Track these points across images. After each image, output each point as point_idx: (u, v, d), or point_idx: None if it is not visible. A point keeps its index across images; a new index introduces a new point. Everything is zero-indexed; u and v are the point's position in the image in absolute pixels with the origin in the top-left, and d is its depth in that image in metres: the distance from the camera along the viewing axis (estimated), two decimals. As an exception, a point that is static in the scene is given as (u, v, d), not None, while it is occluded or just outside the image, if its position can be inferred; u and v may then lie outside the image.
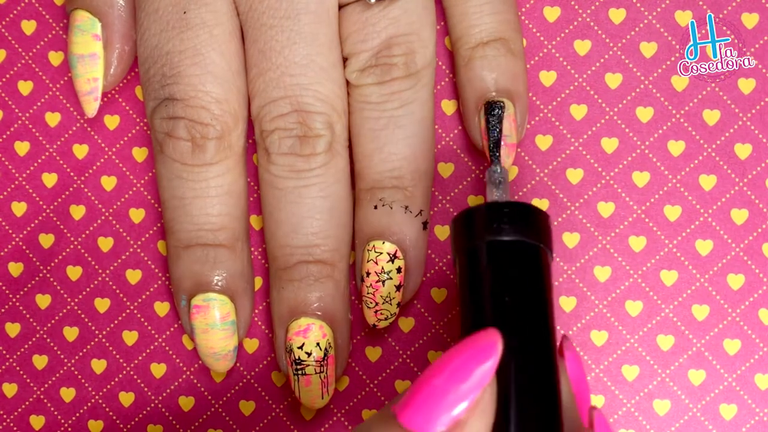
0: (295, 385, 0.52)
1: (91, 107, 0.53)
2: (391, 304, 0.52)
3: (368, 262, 0.52)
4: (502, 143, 0.52)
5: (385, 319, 0.53)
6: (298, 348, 0.52)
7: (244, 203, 0.53)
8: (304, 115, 0.51)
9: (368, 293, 0.52)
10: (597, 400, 0.54)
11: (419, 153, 0.53)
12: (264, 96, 0.52)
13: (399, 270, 0.52)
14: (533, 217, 0.45)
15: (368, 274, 0.52)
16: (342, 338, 0.53)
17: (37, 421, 0.55)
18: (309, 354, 0.52)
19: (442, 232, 0.55)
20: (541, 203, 0.54)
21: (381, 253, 0.52)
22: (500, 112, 0.52)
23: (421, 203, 0.53)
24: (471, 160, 0.55)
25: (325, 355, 0.52)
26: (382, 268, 0.52)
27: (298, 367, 0.52)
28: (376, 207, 0.52)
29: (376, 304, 0.52)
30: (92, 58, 0.53)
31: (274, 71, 0.52)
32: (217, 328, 0.52)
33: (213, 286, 0.52)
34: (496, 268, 0.44)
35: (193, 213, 0.52)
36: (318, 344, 0.52)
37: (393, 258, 0.52)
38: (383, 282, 0.52)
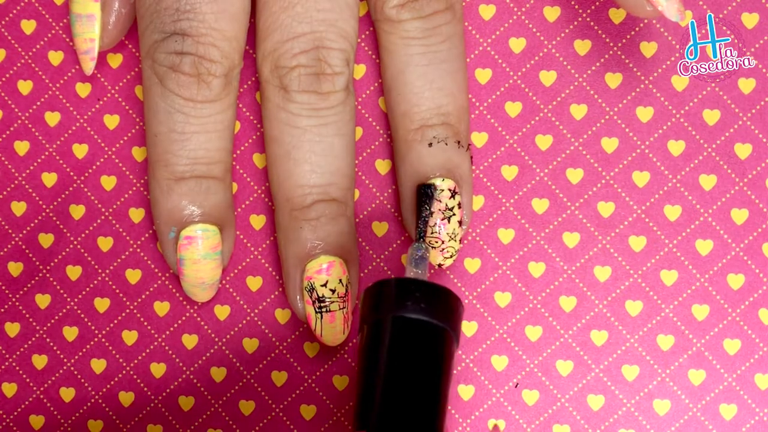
0: (317, 323, 0.52)
1: (88, 66, 0.54)
2: (455, 240, 0.52)
3: None
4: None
5: (451, 256, 0.52)
6: (322, 286, 0.52)
7: (233, 136, 0.53)
8: (325, 52, 0.51)
9: (433, 233, 0.52)
10: (597, 400, 0.54)
11: (462, 88, 0.52)
12: (288, 31, 0.51)
13: (459, 206, 0.52)
14: (444, 300, 0.46)
15: (432, 213, 0.52)
16: (355, 274, 0.53)
17: (37, 421, 0.55)
18: (333, 291, 0.52)
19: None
20: (541, 203, 0.54)
21: (443, 191, 0.52)
22: (432, 191, 0.51)
23: (466, 138, 0.53)
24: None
25: (346, 290, 0.52)
26: (446, 205, 0.52)
27: (322, 304, 0.52)
28: (430, 144, 0.52)
29: (442, 242, 0.52)
30: (89, 19, 0.53)
31: (302, 5, 0.51)
32: (209, 258, 0.52)
33: (207, 217, 0.52)
34: (396, 344, 0.45)
35: (191, 147, 0.52)
36: (340, 280, 0.52)
37: (454, 194, 0.52)
38: (448, 219, 0.52)
